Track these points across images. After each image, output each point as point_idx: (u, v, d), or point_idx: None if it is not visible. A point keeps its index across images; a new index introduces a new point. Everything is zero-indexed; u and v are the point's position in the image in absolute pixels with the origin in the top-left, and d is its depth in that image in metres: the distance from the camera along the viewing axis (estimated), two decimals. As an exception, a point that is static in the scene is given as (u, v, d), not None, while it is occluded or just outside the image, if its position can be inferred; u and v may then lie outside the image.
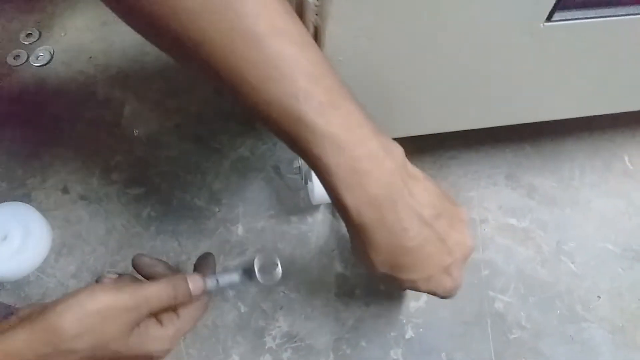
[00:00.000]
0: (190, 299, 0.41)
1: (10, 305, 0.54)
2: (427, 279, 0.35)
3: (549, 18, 0.39)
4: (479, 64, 0.43)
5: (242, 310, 0.55)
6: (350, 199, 0.32)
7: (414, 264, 0.34)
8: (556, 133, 0.68)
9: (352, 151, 0.31)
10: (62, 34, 0.75)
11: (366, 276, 0.57)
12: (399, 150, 0.34)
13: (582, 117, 0.55)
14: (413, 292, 0.56)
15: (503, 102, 0.49)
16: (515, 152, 0.67)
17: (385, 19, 0.36)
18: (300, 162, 0.59)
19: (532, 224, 0.61)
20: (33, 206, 0.60)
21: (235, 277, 0.44)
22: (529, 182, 0.64)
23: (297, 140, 0.31)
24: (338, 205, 0.33)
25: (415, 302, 0.56)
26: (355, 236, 0.34)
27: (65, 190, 0.62)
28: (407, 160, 0.35)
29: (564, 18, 0.40)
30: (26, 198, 0.62)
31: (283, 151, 0.65)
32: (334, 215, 0.61)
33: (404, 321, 0.55)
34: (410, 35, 0.39)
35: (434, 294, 0.37)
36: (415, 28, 0.38)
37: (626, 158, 0.66)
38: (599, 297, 0.57)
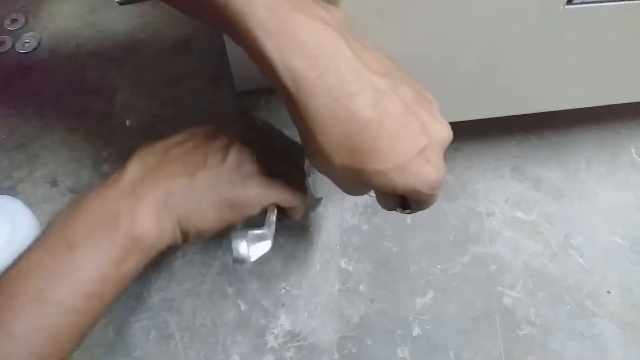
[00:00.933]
0: None
1: None
2: (401, 168, 0.27)
3: (569, 1, 0.37)
4: (494, 49, 0.41)
5: (242, 308, 0.53)
6: (273, 47, 0.26)
7: (378, 145, 0.27)
8: (562, 124, 0.66)
9: None
10: (50, 20, 0.71)
11: (371, 272, 0.55)
12: (338, 10, 0.28)
13: (588, 108, 0.53)
14: (418, 288, 0.54)
15: (516, 91, 0.47)
16: (521, 143, 0.65)
17: (398, -1, 0.34)
18: (301, 154, 0.57)
19: (539, 217, 0.60)
20: (20, 199, 0.57)
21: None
22: (535, 174, 0.63)
23: None
24: (259, 62, 0.27)
25: (421, 298, 0.54)
26: (294, 112, 0.27)
27: (53, 183, 0.60)
28: (352, 27, 0.28)
29: (585, 1, 0.38)
30: (12, 191, 0.59)
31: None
32: (336, 209, 0.58)
33: (410, 318, 0.53)
34: (424, 18, 0.37)
35: (415, 193, 0.29)
36: (430, 10, 0.36)
37: (633, 150, 0.65)
38: (609, 292, 0.55)
